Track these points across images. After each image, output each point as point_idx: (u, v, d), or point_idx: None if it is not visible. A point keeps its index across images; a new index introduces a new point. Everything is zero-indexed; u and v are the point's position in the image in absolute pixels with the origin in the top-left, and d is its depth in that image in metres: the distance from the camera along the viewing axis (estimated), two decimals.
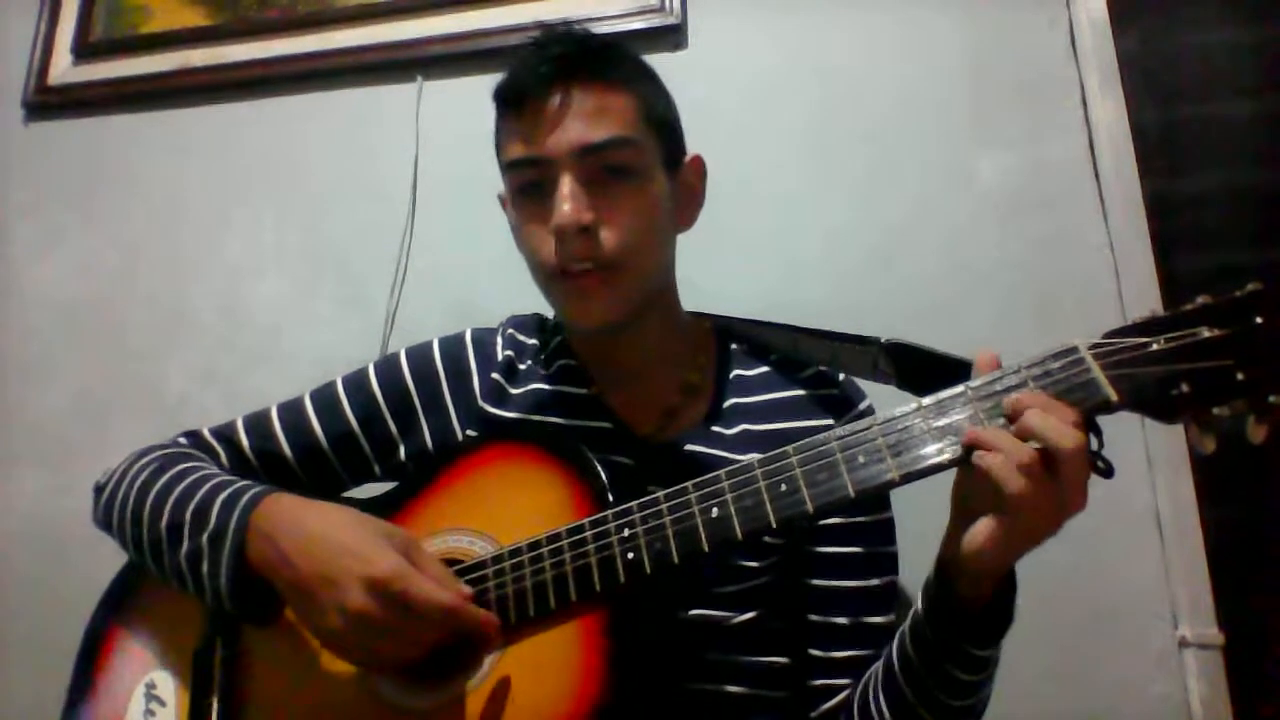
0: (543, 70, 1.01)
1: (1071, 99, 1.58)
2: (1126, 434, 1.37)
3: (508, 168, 1.06)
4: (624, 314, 1.03)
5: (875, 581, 1.05)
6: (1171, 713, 1.33)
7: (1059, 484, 0.75)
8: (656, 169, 1.05)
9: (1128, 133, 1.55)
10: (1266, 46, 1.62)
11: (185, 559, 0.98)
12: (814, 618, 1.05)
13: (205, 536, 0.97)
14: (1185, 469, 1.40)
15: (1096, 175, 1.54)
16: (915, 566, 0.91)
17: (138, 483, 1.07)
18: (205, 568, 0.96)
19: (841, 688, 1.02)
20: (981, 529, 0.78)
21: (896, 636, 0.94)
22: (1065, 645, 1.37)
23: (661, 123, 1.07)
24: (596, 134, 0.99)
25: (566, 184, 0.98)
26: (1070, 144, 1.56)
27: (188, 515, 0.99)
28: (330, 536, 0.90)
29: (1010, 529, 0.77)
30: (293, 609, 0.93)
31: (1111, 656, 1.36)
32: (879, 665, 0.96)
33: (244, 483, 1.01)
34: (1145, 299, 1.45)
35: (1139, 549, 1.39)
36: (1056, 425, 0.74)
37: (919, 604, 0.89)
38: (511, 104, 1.04)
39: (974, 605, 0.84)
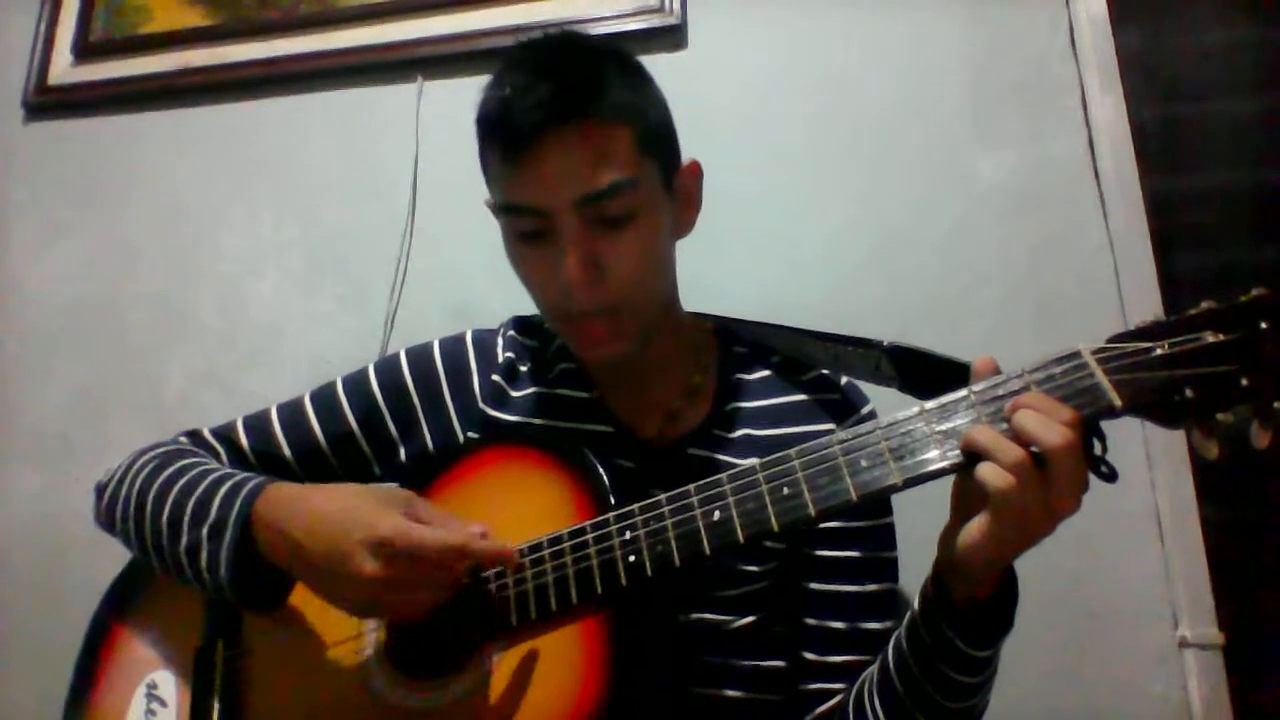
0: (535, 115, 0.94)
1: (1071, 98, 1.58)
2: (1126, 434, 1.37)
3: (502, 210, 1.01)
4: (631, 346, 1.03)
5: (873, 587, 1.05)
6: (1171, 713, 1.33)
7: (1049, 484, 0.75)
8: (658, 197, 1.01)
9: (1128, 132, 1.55)
10: (1266, 46, 1.62)
11: (185, 552, 0.98)
12: (810, 621, 1.04)
13: (205, 529, 0.97)
14: (1185, 469, 1.40)
15: (1096, 174, 1.54)
16: (917, 572, 0.91)
17: (139, 479, 1.07)
18: (204, 559, 0.96)
19: (836, 692, 1.02)
20: (975, 527, 0.79)
21: (893, 638, 0.94)
22: (1065, 645, 1.37)
23: (658, 141, 1.03)
24: (597, 182, 0.94)
25: (568, 235, 0.95)
26: (1070, 143, 1.56)
27: (188, 509, 0.99)
28: (333, 513, 0.91)
29: (1001, 528, 0.77)
30: (314, 592, 0.93)
31: (1111, 656, 1.37)
32: (874, 667, 0.96)
33: (244, 475, 1.01)
34: (1145, 298, 1.46)
35: (1139, 549, 1.39)
36: (1047, 424, 0.74)
37: (915, 604, 0.89)
38: (501, 145, 0.98)
39: (970, 605, 0.84)
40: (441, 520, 0.91)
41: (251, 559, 0.95)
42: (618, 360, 1.04)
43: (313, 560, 0.90)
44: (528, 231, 0.99)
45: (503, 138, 0.98)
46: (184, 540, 0.98)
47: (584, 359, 1.08)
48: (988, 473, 0.75)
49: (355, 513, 0.89)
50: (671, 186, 1.06)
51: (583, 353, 1.06)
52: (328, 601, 0.92)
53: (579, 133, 0.95)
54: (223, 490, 0.99)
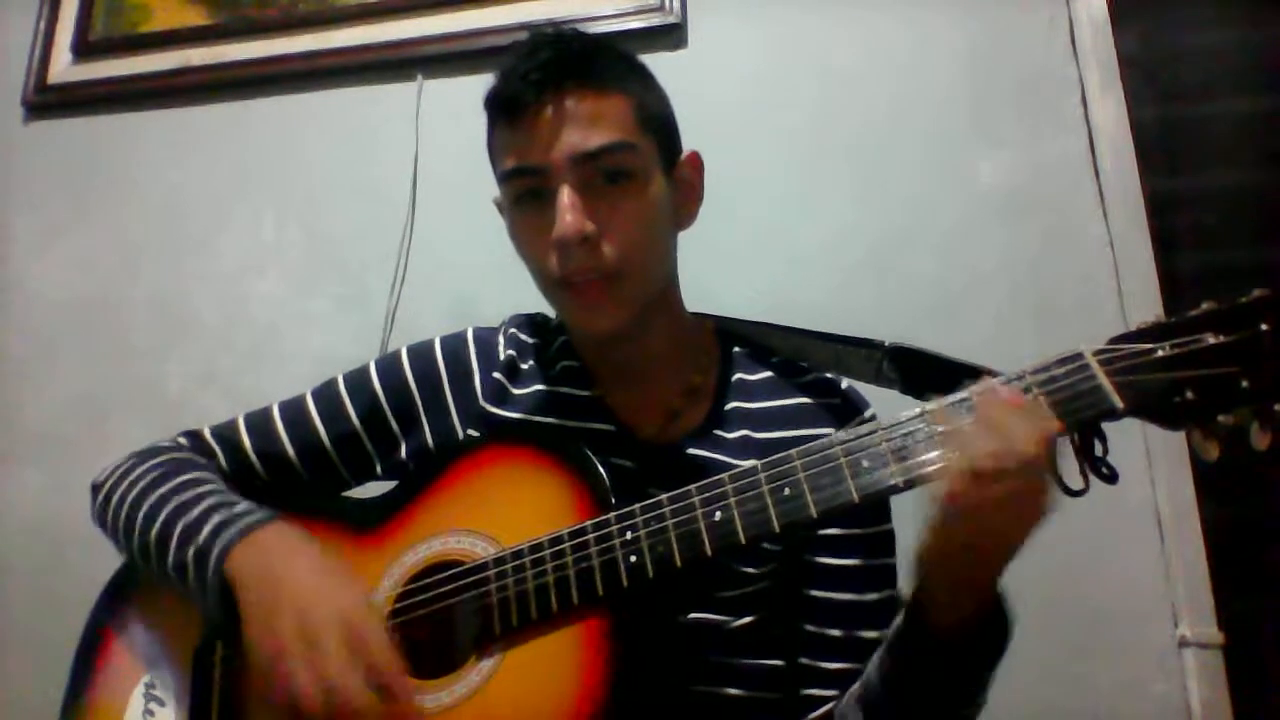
0: (534, 77, 0.98)
1: (1072, 98, 1.58)
2: (1126, 434, 1.36)
3: (504, 177, 1.04)
4: (631, 320, 1.03)
5: (872, 596, 1.04)
6: (1171, 713, 1.33)
7: (1010, 491, 0.74)
8: (654, 170, 1.03)
9: (1128, 131, 1.55)
10: (1266, 46, 1.62)
11: (173, 569, 0.99)
12: (809, 628, 1.04)
13: (191, 552, 0.97)
14: (1185, 468, 1.41)
15: (1097, 174, 1.54)
16: None
17: (133, 491, 1.07)
18: (191, 581, 0.97)
19: (829, 699, 1.01)
20: (941, 537, 0.79)
21: (877, 654, 0.93)
22: (1065, 645, 1.37)
23: (657, 123, 1.05)
24: (593, 140, 0.97)
25: (566, 194, 0.97)
26: (1070, 143, 1.56)
27: (177, 530, 0.99)
28: (318, 563, 0.92)
29: (965, 535, 0.77)
30: (248, 615, 0.91)
31: (1111, 656, 1.37)
32: (859, 683, 0.96)
33: (235, 510, 1.01)
34: (1146, 297, 1.46)
35: (1139, 549, 1.39)
36: (1011, 434, 0.74)
37: (900, 619, 0.89)
38: (504, 113, 1.02)
39: (953, 627, 0.83)
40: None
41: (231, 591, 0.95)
42: (616, 334, 1.04)
43: (272, 587, 0.90)
44: (526, 197, 1.01)
45: (505, 105, 1.01)
46: (171, 559, 0.99)
47: (583, 328, 1.07)
48: (945, 476, 0.76)
49: (340, 578, 0.91)
50: (672, 174, 1.07)
51: (580, 320, 1.05)
52: (248, 628, 0.90)
53: (577, 96, 0.98)
54: (214, 520, 0.98)
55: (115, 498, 1.08)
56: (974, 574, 0.81)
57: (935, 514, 0.78)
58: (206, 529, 0.98)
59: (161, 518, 1.02)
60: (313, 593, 0.88)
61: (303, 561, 0.92)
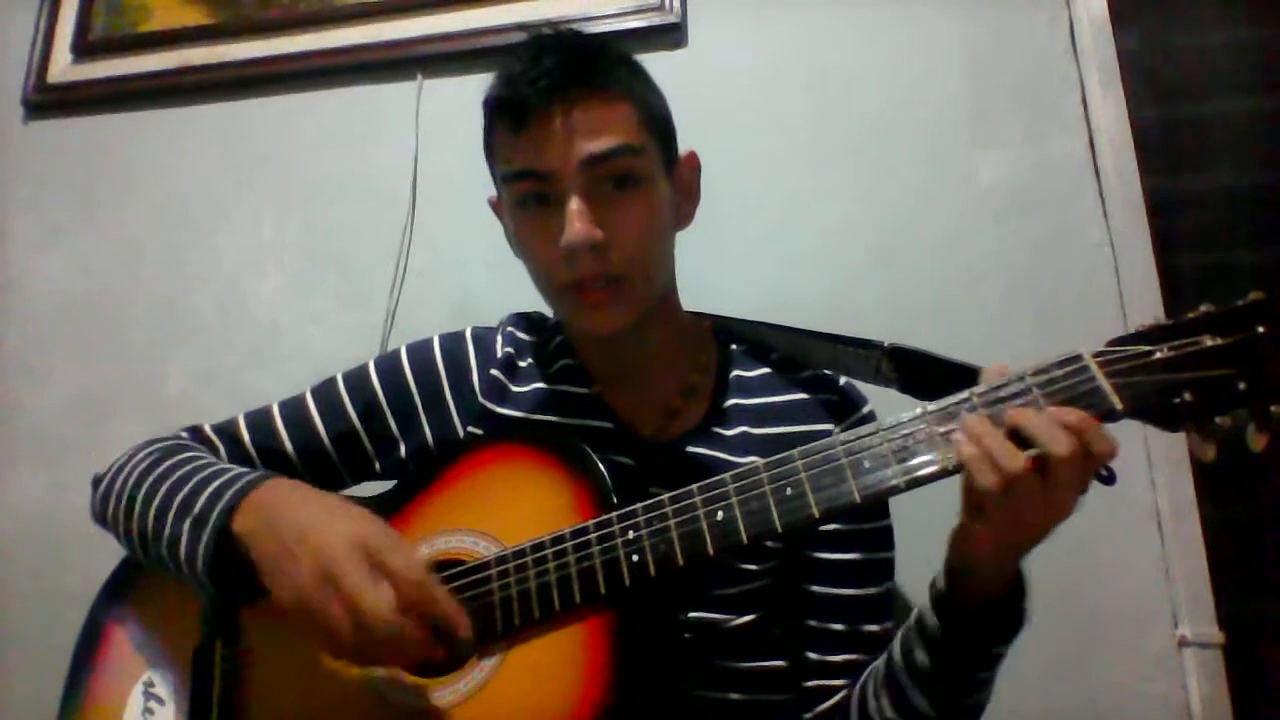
0: (542, 84, 0.98)
1: (1072, 98, 1.58)
2: (1127, 435, 1.36)
3: (508, 180, 1.04)
4: (635, 320, 1.04)
5: (873, 590, 1.06)
6: (1171, 713, 1.33)
7: (1047, 489, 0.75)
8: (658, 173, 1.04)
9: (1128, 131, 1.55)
10: (1266, 46, 1.62)
11: (168, 544, 0.98)
12: (812, 623, 1.05)
13: (188, 521, 0.96)
14: (1185, 469, 1.40)
15: (1097, 174, 1.54)
16: (914, 569, 0.91)
17: (133, 475, 1.07)
18: (184, 551, 0.95)
19: (837, 688, 1.03)
20: (975, 529, 0.80)
21: (899, 636, 0.94)
22: (1065, 645, 1.37)
23: (660, 125, 1.06)
24: (602, 144, 0.97)
25: (574, 201, 0.97)
26: (1070, 143, 1.56)
27: (175, 502, 0.99)
28: (326, 503, 0.92)
29: (997, 530, 0.78)
30: (265, 568, 0.89)
31: (1111, 656, 1.36)
32: (879, 665, 0.97)
33: (236, 472, 1.00)
34: (1146, 298, 1.45)
35: (1139, 549, 1.39)
36: (1048, 427, 0.75)
37: (926, 602, 0.90)
38: (509, 117, 1.01)
39: (982, 605, 0.85)
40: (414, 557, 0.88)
41: (232, 554, 0.93)
42: (618, 333, 1.04)
43: (282, 535, 0.88)
44: (531, 201, 1.02)
45: (510, 110, 1.00)
46: (167, 533, 0.98)
47: (587, 329, 1.08)
48: (977, 467, 0.76)
49: (345, 508, 0.90)
50: (672, 176, 1.08)
51: (584, 321, 1.05)
52: (272, 581, 0.88)
53: (584, 100, 0.98)
54: (211, 486, 0.98)
55: (115, 486, 1.08)
56: (1003, 561, 0.83)
57: (974, 506, 0.79)
58: (202, 499, 0.97)
59: (159, 496, 1.01)
60: (321, 527, 0.87)
61: (303, 502, 0.92)
